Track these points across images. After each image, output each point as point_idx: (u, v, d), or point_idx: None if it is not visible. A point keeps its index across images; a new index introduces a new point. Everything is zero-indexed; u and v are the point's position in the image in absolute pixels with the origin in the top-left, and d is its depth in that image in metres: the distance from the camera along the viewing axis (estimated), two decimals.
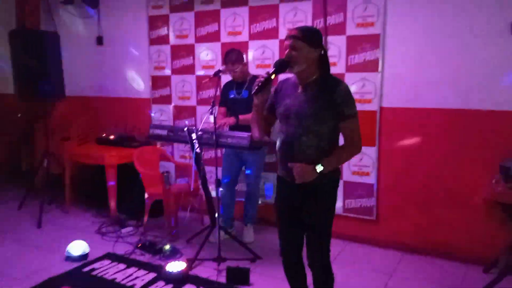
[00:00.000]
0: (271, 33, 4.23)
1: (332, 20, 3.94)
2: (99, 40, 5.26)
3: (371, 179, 3.92)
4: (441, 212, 3.66)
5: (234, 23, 4.42)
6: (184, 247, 3.87)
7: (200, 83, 4.63)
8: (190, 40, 4.68)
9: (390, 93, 3.79)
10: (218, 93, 4.16)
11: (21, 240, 4.08)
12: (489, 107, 3.43)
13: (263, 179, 4.28)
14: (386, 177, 3.87)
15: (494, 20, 3.34)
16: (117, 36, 5.19)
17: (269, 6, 4.21)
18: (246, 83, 3.87)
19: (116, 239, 4.09)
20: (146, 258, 3.69)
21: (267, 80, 2.24)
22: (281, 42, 4.17)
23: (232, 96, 3.93)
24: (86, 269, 3.49)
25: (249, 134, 3.34)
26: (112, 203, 4.51)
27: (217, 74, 3.51)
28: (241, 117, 3.73)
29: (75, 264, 3.56)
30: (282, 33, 4.15)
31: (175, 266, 3.32)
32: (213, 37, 4.54)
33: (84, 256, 3.66)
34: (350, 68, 3.91)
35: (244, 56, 3.94)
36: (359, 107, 2.36)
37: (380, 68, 3.79)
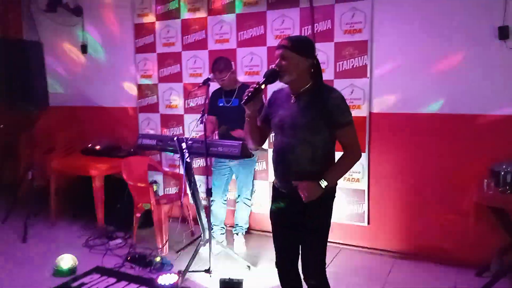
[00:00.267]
0: (259, 40, 4.21)
1: (320, 27, 3.95)
2: (84, 49, 5.18)
3: (362, 185, 3.91)
4: (433, 217, 3.68)
5: (221, 31, 4.39)
6: (175, 259, 3.80)
7: (189, 91, 4.58)
8: (177, 48, 4.64)
9: (379, 98, 3.80)
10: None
11: (6, 255, 3.96)
12: (477, 112, 3.46)
13: (253, 187, 4.25)
14: (377, 183, 3.87)
15: (481, 25, 3.37)
16: (102, 45, 5.11)
17: (256, 14, 4.20)
18: (235, 91, 3.83)
19: (104, 252, 4.00)
20: (136, 271, 3.61)
21: (257, 90, 2.21)
22: (269, 49, 4.16)
23: (221, 104, 3.88)
24: (75, 284, 3.40)
25: (240, 142, 3.30)
26: (100, 215, 4.42)
27: (206, 82, 3.47)
28: (235, 134, 3.68)
29: (64, 279, 3.46)
30: (270, 40, 4.15)
31: (167, 279, 3.26)
32: (201, 44, 4.51)
33: (72, 271, 3.56)
34: (338, 75, 3.91)
35: (233, 63, 3.91)
36: None
37: (368, 74, 3.80)
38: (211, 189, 3.46)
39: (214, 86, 3.97)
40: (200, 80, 4.43)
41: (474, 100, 3.46)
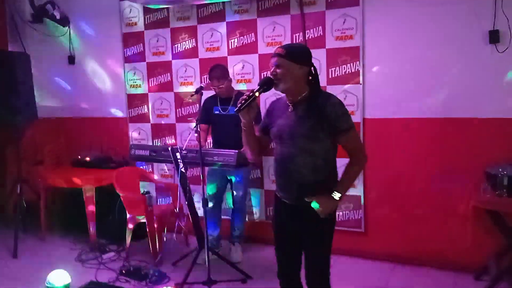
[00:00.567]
0: (250, 48, 4.19)
1: (311, 34, 3.95)
2: (71, 59, 5.10)
3: (358, 191, 3.90)
4: (429, 222, 3.68)
5: (212, 39, 4.36)
6: (170, 271, 3.74)
7: (180, 100, 4.53)
8: (167, 57, 4.59)
9: (372, 104, 3.80)
10: None
11: None
12: (470, 115, 3.48)
13: (248, 196, 4.22)
14: (373, 189, 3.87)
15: (471, 30, 3.40)
16: (89, 55, 5.04)
17: (246, 21, 4.18)
18: (231, 99, 3.80)
19: (98, 266, 3.92)
20: (131, 285, 3.55)
21: (251, 97, 2.19)
22: (261, 56, 4.14)
23: (216, 112, 3.85)
24: None
25: (236, 151, 3.27)
26: (91, 228, 4.33)
27: (199, 91, 3.43)
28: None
29: None
30: (262, 48, 4.13)
31: None
32: (191, 53, 4.47)
33: (66, 287, 3.47)
34: (331, 81, 3.91)
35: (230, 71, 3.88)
36: None
37: (361, 80, 3.80)
38: (207, 199, 3.41)
39: (205, 94, 3.94)
40: (191, 88, 4.42)
41: (467, 104, 3.48)
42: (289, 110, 2.26)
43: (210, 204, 3.86)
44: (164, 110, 4.71)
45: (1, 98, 4.32)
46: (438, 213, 3.64)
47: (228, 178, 3.92)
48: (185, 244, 4.34)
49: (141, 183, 4.65)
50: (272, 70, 2.20)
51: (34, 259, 4.13)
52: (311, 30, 3.95)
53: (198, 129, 3.27)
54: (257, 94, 2.20)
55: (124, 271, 3.71)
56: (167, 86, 4.65)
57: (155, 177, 4.80)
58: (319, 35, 3.92)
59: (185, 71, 4.54)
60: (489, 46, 3.36)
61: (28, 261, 4.11)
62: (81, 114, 5.14)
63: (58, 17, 4.92)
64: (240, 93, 3.79)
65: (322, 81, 3.86)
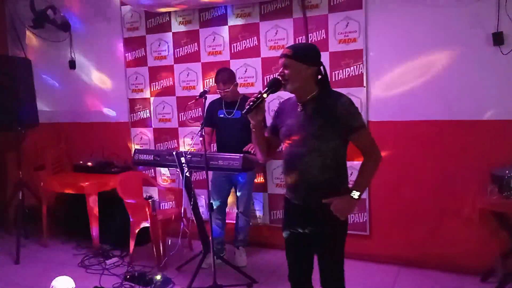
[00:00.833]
0: (253, 52, 4.18)
1: (314, 37, 3.94)
2: (72, 64, 5.08)
3: (363, 194, 3.88)
4: (435, 224, 3.66)
5: (214, 43, 4.36)
6: (175, 276, 3.71)
7: (183, 104, 4.51)
8: (169, 61, 4.58)
9: (376, 107, 3.80)
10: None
11: (0, 278, 3.82)
12: (475, 117, 3.48)
13: (252, 200, 4.20)
14: (378, 191, 3.85)
15: (475, 32, 3.41)
16: (91, 60, 5.02)
17: (249, 25, 4.18)
18: (237, 103, 3.79)
19: (101, 271, 3.89)
20: None
21: (259, 98, 2.18)
22: (263, 60, 4.14)
23: (221, 115, 3.83)
24: None
25: (241, 155, 3.26)
26: (94, 233, 4.30)
27: (203, 95, 3.42)
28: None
29: None
30: (264, 51, 4.13)
31: None
32: (193, 57, 4.46)
33: None
34: (335, 84, 3.88)
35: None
36: None
37: (365, 83, 3.80)
38: (212, 203, 3.39)
39: (210, 97, 3.93)
40: (194, 92, 4.41)
41: (472, 106, 3.48)
42: (298, 109, 2.26)
43: (214, 208, 3.84)
44: (166, 115, 4.70)
45: (2, 103, 4.30)
46: (443, 215, 3.63)
47: (233, 182, 3.91)
48: (189, 249, 4.31)
49: (144, 188, 4.63)
50: (280, 70, 2.20)
51: (36, 265, 4.10)
52: (314, 34, 3.94)
53: (203, 133, 3.27)
54: (265, 95, 2.20)
55: (128, 276, 3.68)
56: (169, 91, 4.63)
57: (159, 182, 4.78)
58: (322, 38, 3.92)
59: (187, 75, 4.53)
60: (493, 48, 3.36)
61: (30, 267, 4.08)
62: (83, 119, 5.12)
63: (59, 22, 4.92)
64: (245, 97, 3.78)
65: None
